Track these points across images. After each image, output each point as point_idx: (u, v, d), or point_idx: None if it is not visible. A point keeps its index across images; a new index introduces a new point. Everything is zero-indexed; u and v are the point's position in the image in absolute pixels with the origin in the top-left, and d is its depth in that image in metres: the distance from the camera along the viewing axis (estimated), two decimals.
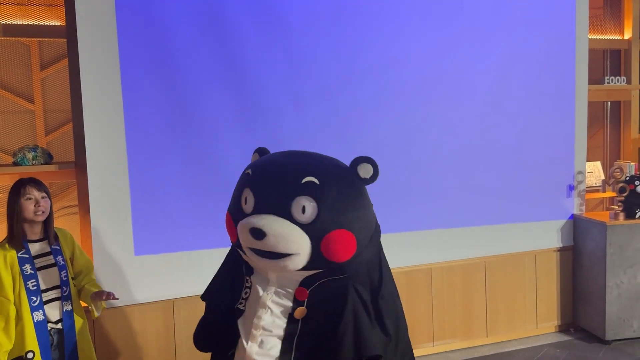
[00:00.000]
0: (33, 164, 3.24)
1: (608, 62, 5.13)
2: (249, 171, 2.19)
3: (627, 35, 5.02)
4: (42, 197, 2.62)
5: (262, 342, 2.12)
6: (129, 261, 3.35)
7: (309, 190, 2.04)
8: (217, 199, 3.52)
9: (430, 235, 4.07)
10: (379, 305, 2.15)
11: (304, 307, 2.11)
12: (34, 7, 3.48)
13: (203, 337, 2.36)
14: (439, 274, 4.14)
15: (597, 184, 4.85)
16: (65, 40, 3.40)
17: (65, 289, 2.65)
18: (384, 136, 3.87)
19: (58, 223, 3.66)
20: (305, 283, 2.13)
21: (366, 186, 2.19)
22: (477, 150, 4.14)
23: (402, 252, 3.98)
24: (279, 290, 2.16)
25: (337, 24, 3.72)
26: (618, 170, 4.30)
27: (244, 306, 2.22)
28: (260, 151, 2.37)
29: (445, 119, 4.02)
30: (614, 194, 4.43)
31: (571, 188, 4.46)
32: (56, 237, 2.71)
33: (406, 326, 2.31)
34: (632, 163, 4.61)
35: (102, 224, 3.27)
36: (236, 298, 2.26)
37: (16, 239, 2.58)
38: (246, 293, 2.24)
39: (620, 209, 4.22)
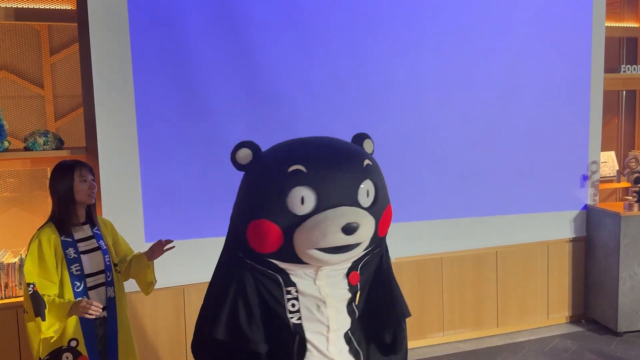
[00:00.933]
0: (44, 149, 3.23)
1: (624, 50, 5.04)
2: (300, 167, 1.97)
3: None
4: (92, 180, 2.56)
5: (337, 341, 2.07)
6: (139, 248, 3.33)
7: (369, 173, 2.01)
8: (228, 187, 3.49)
9: (442, 225, 4.04)
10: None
11: (359, 291, 2.11)
12: None
13: None
14: (449, 263, 4.11)
15: (612, 174, 4.79)
16: (75, 24, 3.38)
17: (109, 274, 2.56)
18: (396, 125, 3.83)
19: None
20: (353, 267, 2.09)
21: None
22: (490, 139, 4.09)
23: (412, 241, 3.95)
24: (333, 285, 2.07)
25: (351, 12, 3.67)
26: (633, 160, 4.24)
27: (300, 318, 2.05)
28: (250, 145, 2.12)
29: (458, 108, 3.98)
30: (628, 185, 4.38)
31: (585, 178, 4.41)
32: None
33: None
34: None
35: (112, 209, 3.26)
36: (277, 317, 2.05)
37: (67, 222, 2.48)
38: (294, 305, 2.06)
39: (635, 199, 4.17)
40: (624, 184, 4.67)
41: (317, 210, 1.92)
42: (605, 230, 4.22)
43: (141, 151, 3.29)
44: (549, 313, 4.41)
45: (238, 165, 2.14)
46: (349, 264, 2.08)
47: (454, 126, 3.98)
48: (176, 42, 3.31)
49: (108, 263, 2.56)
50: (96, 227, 2.60)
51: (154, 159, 3.33)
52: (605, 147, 4.74)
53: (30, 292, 2.37)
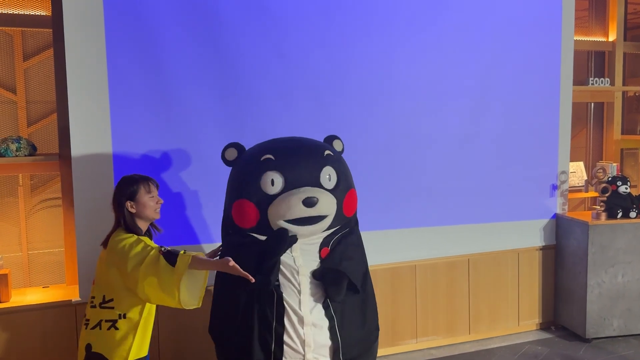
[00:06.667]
0: (17, 155, 3.19)
1: (592, 63, 5.19)
2: (269, 156, 2.49)
3: (612, 37, 5.08)
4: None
5: (309, 303, 2.48)
6: None
7: (329, 161, 2.50)
8: (203, 197, 3.50)
9: (416, 233, 4.08)
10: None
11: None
12: None
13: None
14: (423, 271, 4.15)
15: (580, 184, 4.91)
16: (49, 30, 3.35)
17: None
18: (370, 134, 3.87)
19: (40, 215, 3.62)
20: (325, 243, 2.52)
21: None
22: (462, 150, 4.16)
23: (387, 249, 3.99)
24: (306, 257, 2.50)
25: (327, 22, 3.71)
26: (601, 170, 4.34)
27: (278, 281, 2.49)
28: (236, 145, 2.73)
29: (431, 118, 4.04)
30: (596, 194, 4.48)
31: (554, 188, 4.51)
32: None
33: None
34: (614, 164, 4.67)
35: (85, 217, 3.23)
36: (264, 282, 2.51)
37: (135, 231, 2.54)
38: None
39: (603, 209, 4.27)
40: (592, 193, 4.78)
41: (285, 189, 2.43)
42: (574, 238, 4.32)
43: (115, 158, 3.27)
44: (519, 320, 4.49)
45: (226, 162, 2.72)
46: (321, 240, 2.53)
47: (426, 136, 4.03)
48: (152, 49, 3.31)
49: None
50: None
51: (128, 166, 3.31)
52: (574, 158, 4.86)
53: (164, 251, 2.35)
